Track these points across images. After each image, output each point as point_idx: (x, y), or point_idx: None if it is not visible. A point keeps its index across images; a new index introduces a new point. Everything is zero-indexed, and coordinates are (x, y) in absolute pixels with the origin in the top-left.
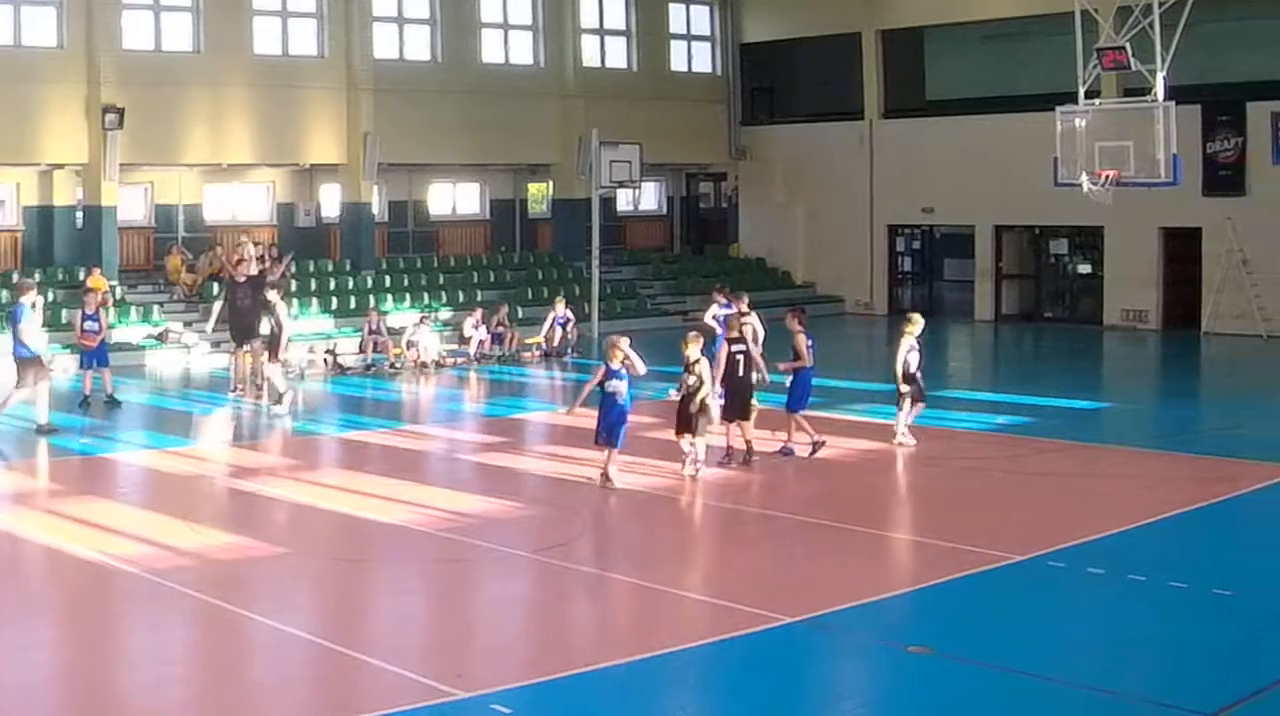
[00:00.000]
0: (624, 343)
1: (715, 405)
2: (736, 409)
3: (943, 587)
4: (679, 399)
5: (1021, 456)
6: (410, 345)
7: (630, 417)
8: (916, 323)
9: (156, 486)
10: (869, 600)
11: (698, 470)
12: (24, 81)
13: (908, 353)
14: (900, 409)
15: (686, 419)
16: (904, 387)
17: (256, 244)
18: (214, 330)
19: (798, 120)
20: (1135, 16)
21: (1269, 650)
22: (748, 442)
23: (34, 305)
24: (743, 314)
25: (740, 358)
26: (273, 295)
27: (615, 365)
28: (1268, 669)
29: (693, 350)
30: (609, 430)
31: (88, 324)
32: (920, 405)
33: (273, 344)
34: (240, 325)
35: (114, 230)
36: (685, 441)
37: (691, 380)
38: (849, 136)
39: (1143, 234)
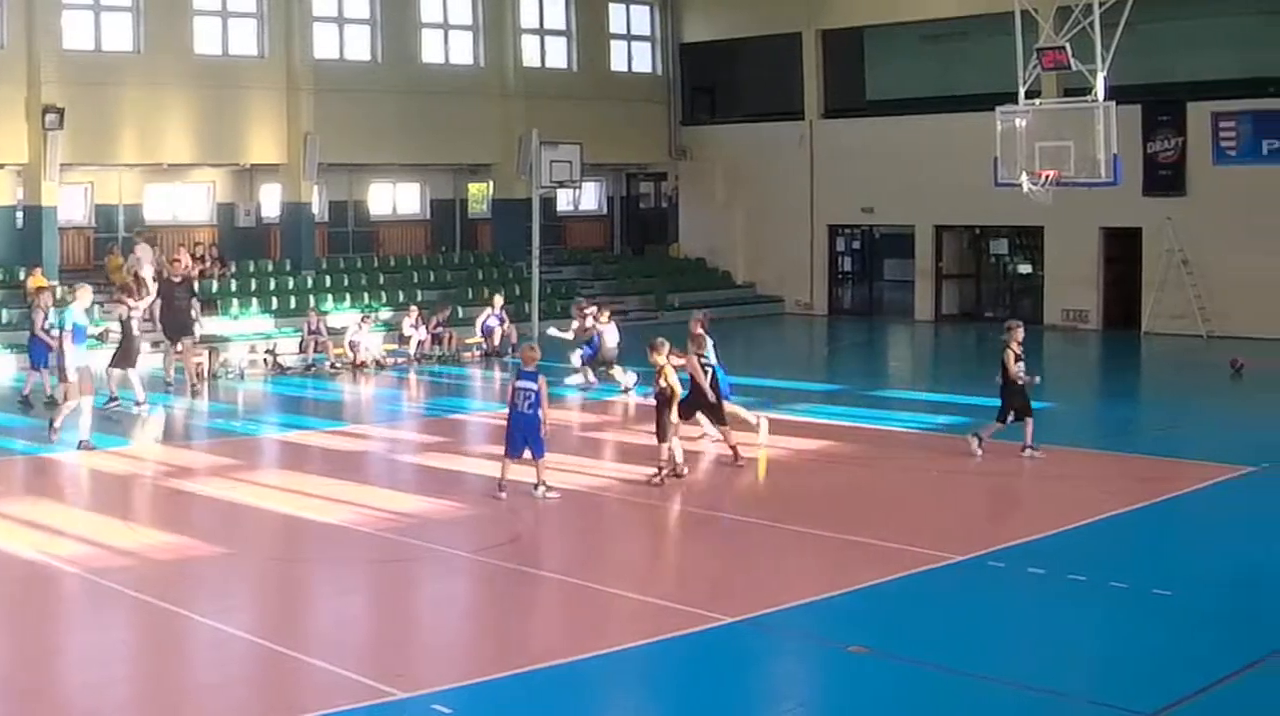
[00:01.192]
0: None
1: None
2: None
3: (882, 587)
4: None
5: (961, 456)
6: (352, 345)
7: (576, 418)
8: (1020, 330)
9: (96, 486)
10: (809, 600)
11: (681, 472)
12: None
13: (1016, 363)
14: (1021, 422)
15: (664, 425)
16: (1016, 402)
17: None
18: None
19: (738, 120)
20: (1075, 16)
21: (1208, 650)
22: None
23: (87, 310)
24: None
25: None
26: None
27: (530, 368)
28: (1207, 669)
29: (658, 357)
30: (536, 440)
31: (48, 322)
32: (1029, 418)
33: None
34: (174, 323)
35: (54, 230)
36: (665, 448)
37: (662, 383)
38: (789, 136)
39: (1083, 234)
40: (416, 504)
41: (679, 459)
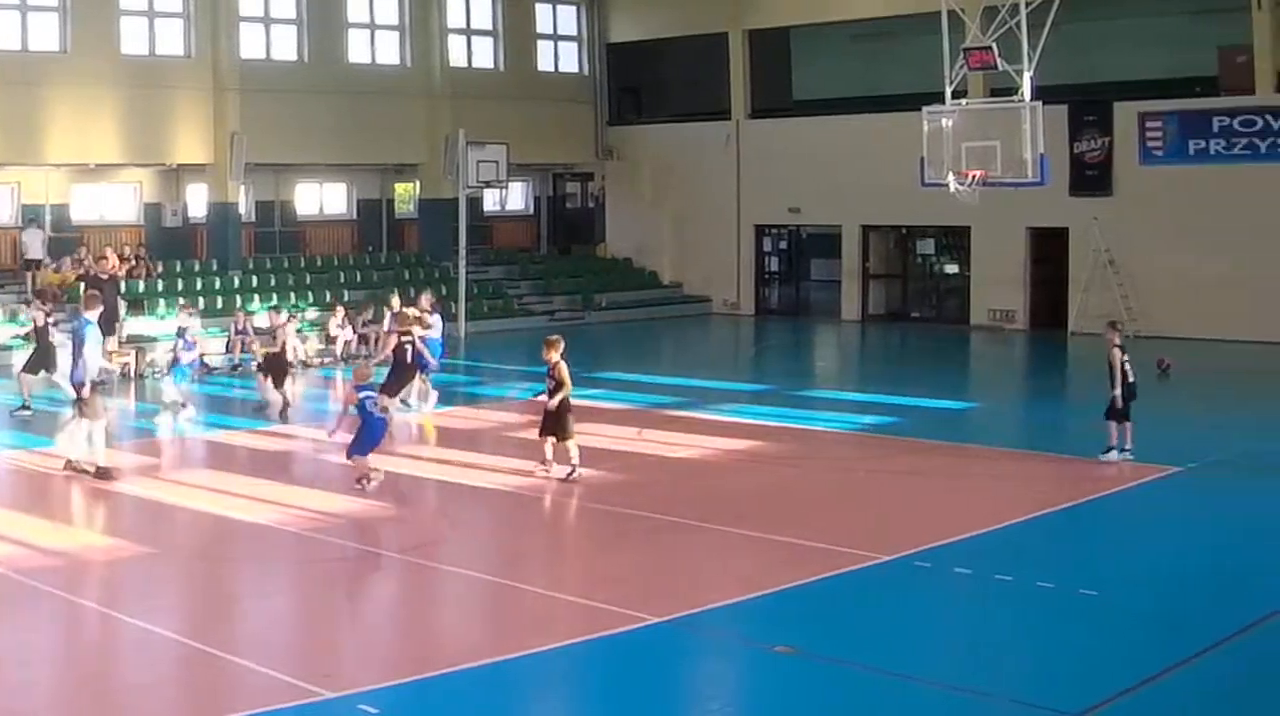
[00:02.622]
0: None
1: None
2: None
3: (809, 588)
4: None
5: (888, 456)
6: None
7: (497, 417)
8: (1120, 331)
9: (22, 487)
10: (735, 600)
11: (573, 472)
12: None
13: (1125, 363)
14: (1123, 423)
15: (554, 422)
16: (1121, 404)
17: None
18: None
19: (665, 120)
20: (1002, 16)
21: (1135, 650)
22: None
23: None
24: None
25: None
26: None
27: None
28: (1133, 669)
29: (553, 354)
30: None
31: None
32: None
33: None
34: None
35: None
36: (549, 444)
37: (551, 385)
38: (716, 136)
39: (1010, 234)
40: (343, 504)
41: (575, 459)
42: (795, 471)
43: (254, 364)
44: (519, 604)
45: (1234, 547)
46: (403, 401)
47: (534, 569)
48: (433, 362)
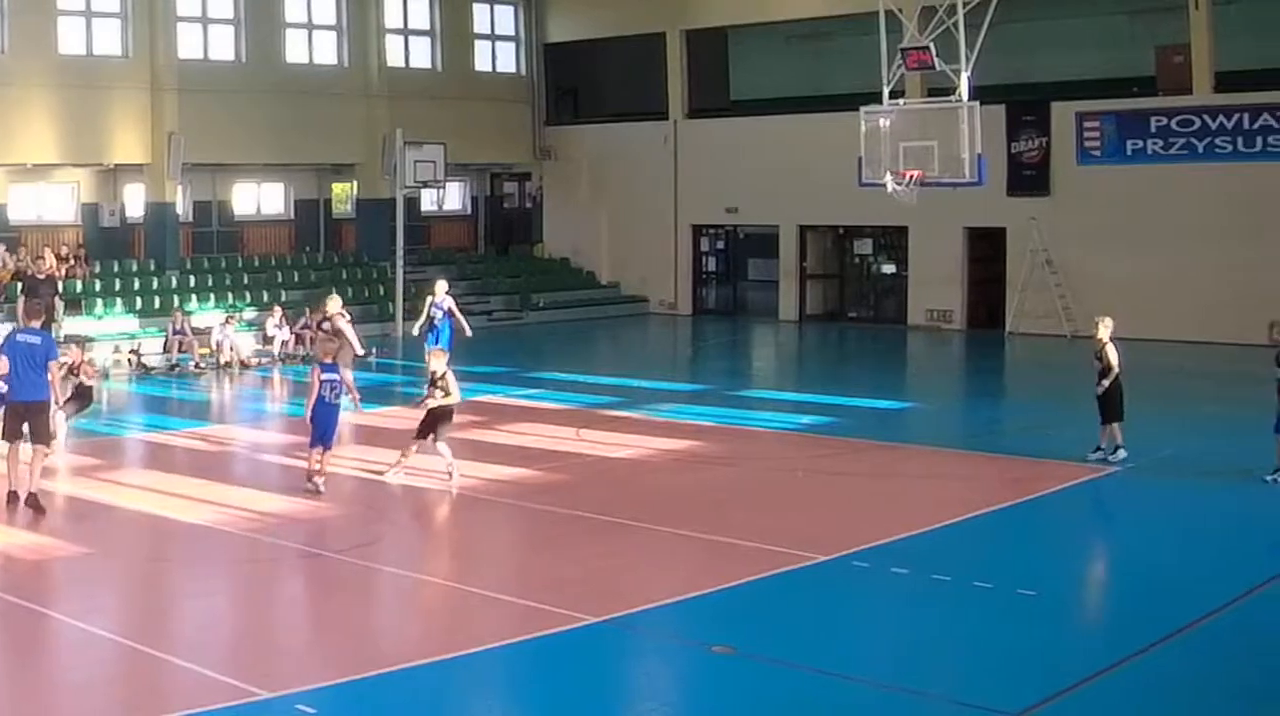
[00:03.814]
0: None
1: None
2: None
3: (747, 587)
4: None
5: (826, 456)
6: (217, 345)
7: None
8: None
9: None
10: (673, 600)
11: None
12: None
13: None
14: (1114, 422)
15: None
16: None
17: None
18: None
19: (602, 120)
20: (940, 16)
21: (1072, 650)
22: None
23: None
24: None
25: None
26: None
27: (329, 360)
28: (1071, 669)
29: (438, 364)
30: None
31: None
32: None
33: None
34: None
35: None
36: (416, 446)
37: (439, 394)
38: (653, 136)
39: (947, 234)
40: (280, 504)
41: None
42: (733, 471)
43: (192, 364)
44: (457, 604)
45: (1171, 547)
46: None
47: (472, 569)
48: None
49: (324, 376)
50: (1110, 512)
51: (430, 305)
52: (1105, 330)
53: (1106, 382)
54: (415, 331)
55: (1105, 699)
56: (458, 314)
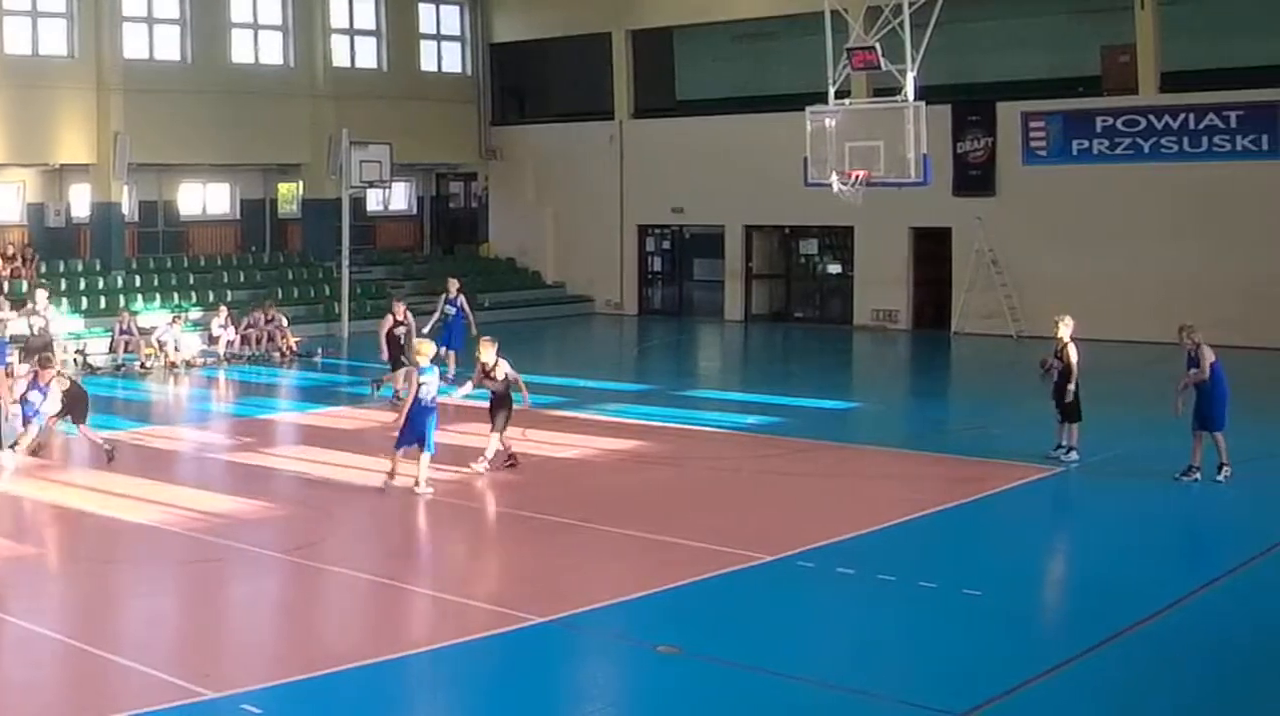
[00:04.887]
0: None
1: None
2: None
3: (693, 587)
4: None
5: (771, 456)
6: (161, 345)
7: (380, 417)
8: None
9: None
10: (619, 600)
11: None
12: None
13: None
14: (1073, 422)
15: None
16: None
17: None
18: None
19: (548, 120)
20: (885, 16)
21: (1018, 650)
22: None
23: None
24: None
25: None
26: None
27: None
28: (1016, 669)
29: (488, 354)
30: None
31: None
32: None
33: None
34: None
35: None
36: (500, 437)
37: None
38: (599, 136)
39: (893, 234)
40: (226, 504)
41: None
42: (679, 471)
43: (137, 363)
44: (403, 603)
45: (1116, 548)
46: None
47: (418, 569)
48: None
49: (422, 378)
50: (1056, 513)
51: (444, 302)
52: (1066, 329)
53: (1073, 387)
54: (427, 329)
55: (1049, 699)
56: (468, 311)
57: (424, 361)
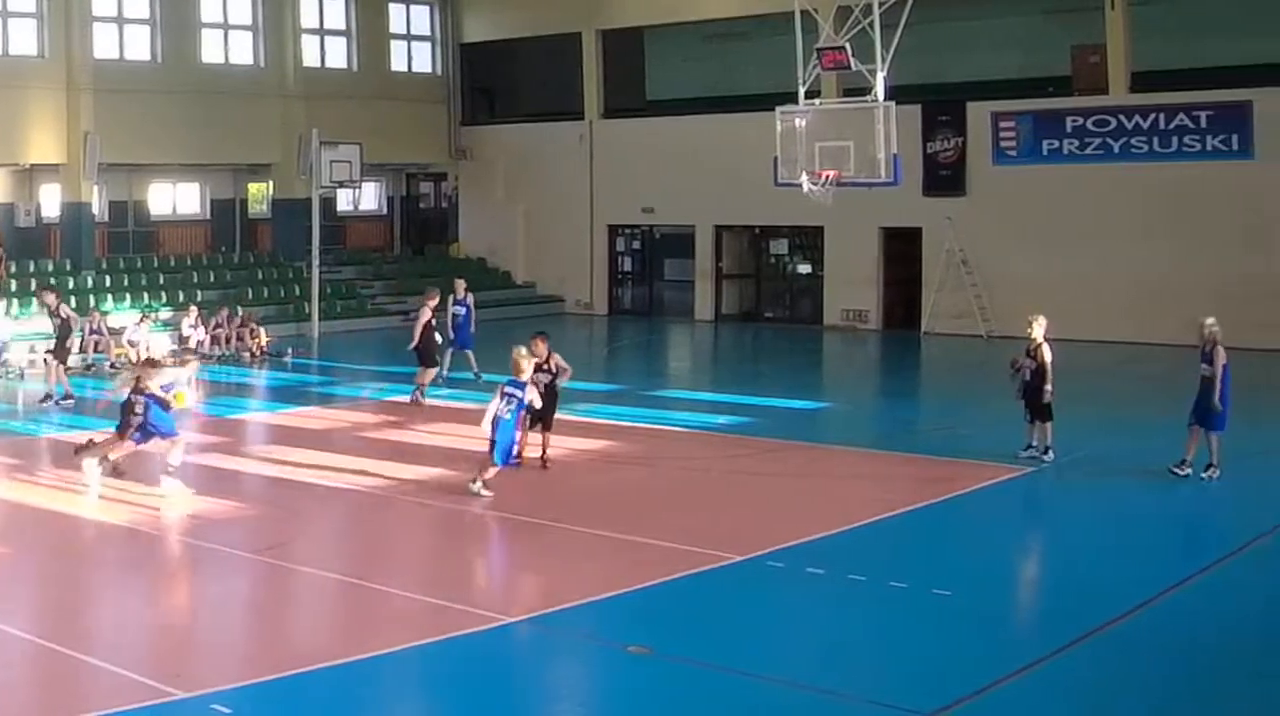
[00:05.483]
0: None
1: None
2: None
3: (663, 587)
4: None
5: (741, 456)
6: (131, 344)
7: (350, 418)
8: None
9: None
10: (589, 600)
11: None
12: None
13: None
14: (1045, 422)
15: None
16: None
17: None
18: None
19: (518, 120)
20: (855, 16)
21: (987, 650)
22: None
23: None
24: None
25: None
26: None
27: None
28: (986, 669)
29: (542, 348)
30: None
31: None
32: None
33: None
34: None
35: None
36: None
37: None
38: (569, 136)
39: (863, 234)
40: (197, 504)
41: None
42: (649, 471)
43: (107, 363)
44: (372, 604)
45: (1086, 548)
46: None
47: (387, 569)
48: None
49: (506, 389)
50: (1026, 512)
51: (453, 302)
52: (1040, 329)
53: (1049, 388)
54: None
55: (1018, 700)
56: (473, 311)
57: (525, 375)
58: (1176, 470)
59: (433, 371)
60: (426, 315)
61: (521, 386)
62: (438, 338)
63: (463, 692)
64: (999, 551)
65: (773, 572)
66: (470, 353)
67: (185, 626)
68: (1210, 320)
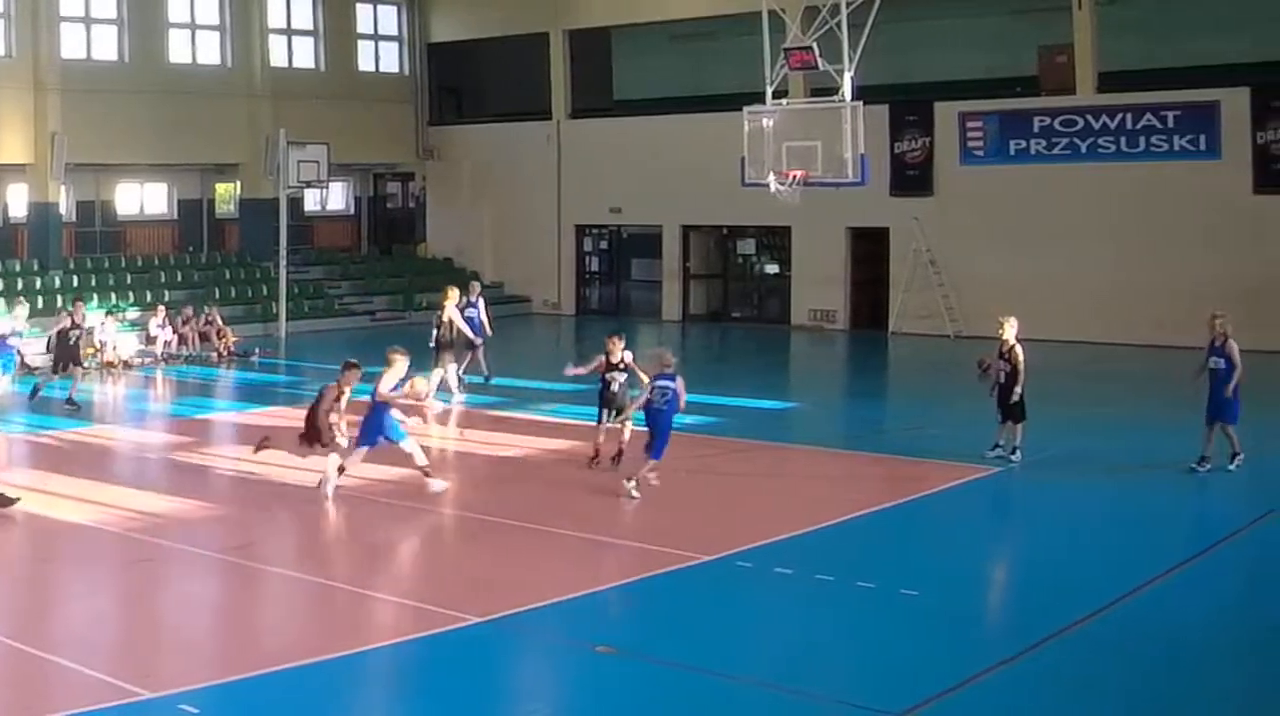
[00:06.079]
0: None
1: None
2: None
3: (630, 588)
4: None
5: (709, 456)
6: (101, 345)
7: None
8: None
9: None
10: (557, 600)
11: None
12: None
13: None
14: (1017, 422)
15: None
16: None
17: None
18: None
19: (485, 120)
20: (823, 17)
21: (955, 650)
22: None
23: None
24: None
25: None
26: None
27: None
28: (954, 669)
29: (618, 349)
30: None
31: None
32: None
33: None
34: None
35: None
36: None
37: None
38: (536, 136)
39: (830, 234)
40: (164, 503)
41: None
42: (616, 471)
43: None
44: (341, 603)
45: (1055, 547)
46: None
47: (356, 569)
48: None
49: (657, 383)
50: (994, 512)
51: (467, 305)
52: (1011, 330)
53: (1020, 389)
54: (473, 335)
55: (986, 699)
56: (484, 312)
57: (673, 367)
58: (1198, 467)
59: (439, 372)
60: (452, 312)
61: (672, 378)
62: (469, 334)
63: (430, 692)
64: (967, 551)
65: (741, 572)
66: (481, 355)
67: (153, 626)
68: (1220, 315)
